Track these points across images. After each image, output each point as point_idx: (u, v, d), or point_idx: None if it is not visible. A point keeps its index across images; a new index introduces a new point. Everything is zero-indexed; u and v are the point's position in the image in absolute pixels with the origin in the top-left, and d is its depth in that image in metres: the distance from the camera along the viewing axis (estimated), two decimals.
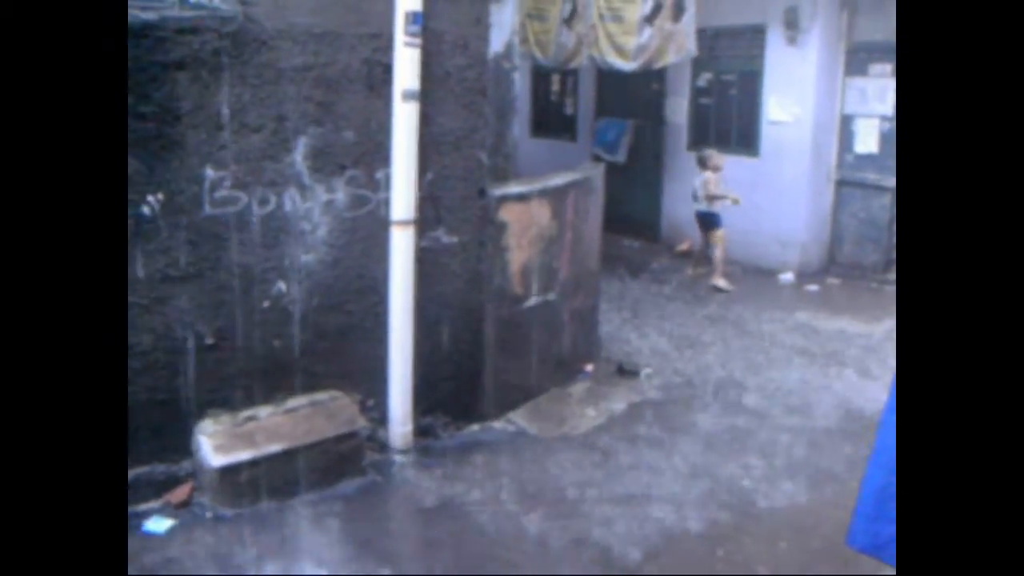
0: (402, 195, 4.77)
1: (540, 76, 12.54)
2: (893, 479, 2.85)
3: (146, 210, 4.11)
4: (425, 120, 4.82)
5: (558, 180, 5.91)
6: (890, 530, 2.87)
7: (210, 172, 4.29)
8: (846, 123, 9.64)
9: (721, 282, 9.11)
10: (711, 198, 9.15)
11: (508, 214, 5.34)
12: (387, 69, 4.67)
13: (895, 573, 3.03)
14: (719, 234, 9.21)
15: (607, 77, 10.99)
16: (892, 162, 9.28)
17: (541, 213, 5.64)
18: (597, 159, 10.34)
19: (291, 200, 4.54)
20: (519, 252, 5.47)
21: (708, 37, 9.77)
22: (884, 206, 9.46)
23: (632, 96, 11.09)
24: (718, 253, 9.20)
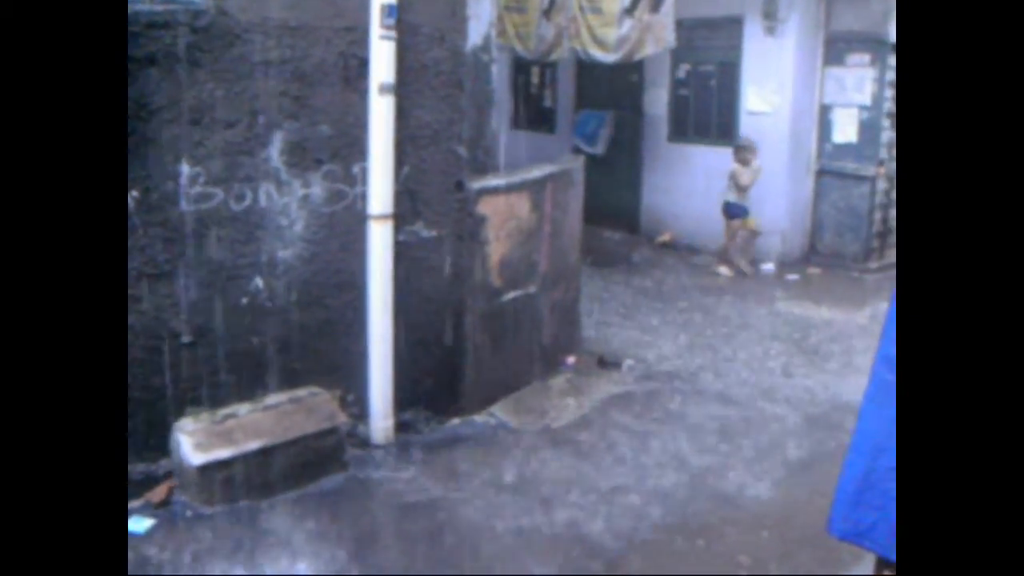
0: (379, 189, 4.75)
1: (519, 68, 12.51)
2: (873, 467, 2.87)
3: None
4: (401, 114, 4.79)
5: (537, 173, 5.89)
6: (870, 517, 2.89)
7: (185, 168, 4.25)
8: (825, 113, 9.68)
9: (723, 269, 9.31)
10: (740, 189, 9.16)
11: (487, 207, 5.32)
12: (363, 62, 4.64)
13: (875, 558, 3.07)
14: (735, 224, 9.28)
15: (586, 69, 10.98)
16: (871, 151, 9.34)
17: (520, 206, 5.62)
18: (577, 151, 10.33)
19: (267, 195, 4.50)
20: (498, 245, 5.46)
21: (686, 28, 9.76)
22: (863, 195, 9.50)
23: (611, 88, 11.09)
24: (728, 241, 9.36)
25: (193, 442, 4.31)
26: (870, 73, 9.22)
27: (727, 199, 9.22)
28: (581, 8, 9.32)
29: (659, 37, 8.90)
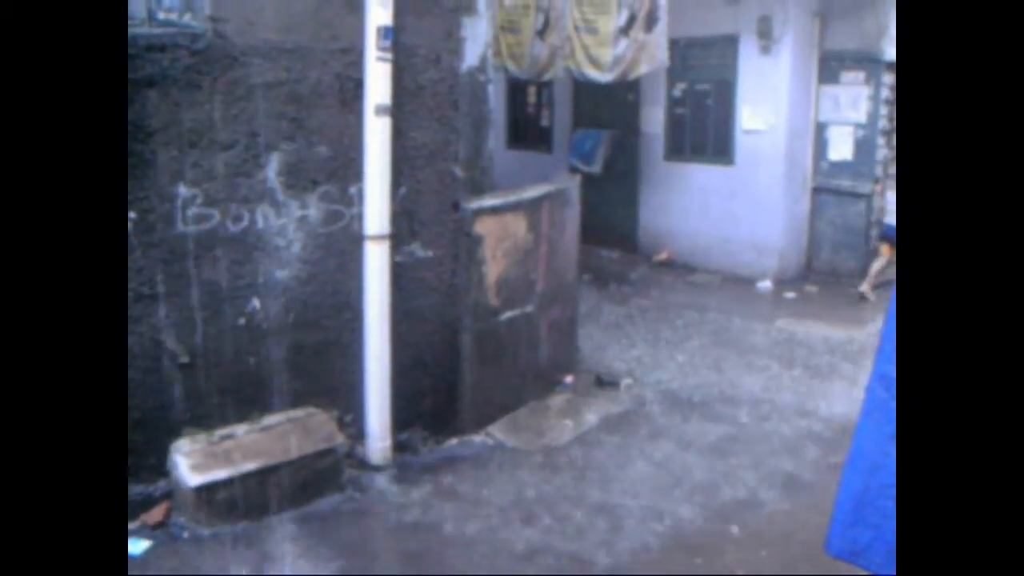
0: (376, 210, 4.76)
1: (516, 88, 12.55)
2: (869, 485, 2.87)
3: None
4: (398, 134, 4.81)
5: (533, 192, 5.91)
6: (866, 536, 2.88)
7: (182, 190, 4.27)
8: (820, 130, 9.71)
9: (869, 291, 8.95)
10: None
11: (483, 227, 5.33)
12: (359, 84, 4.67)
13: None
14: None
15: (583, 88, 11.01)
16: (867, 168, 9.36)
17: (517, 226, 5.63)
18: (574, 170, 10.34)
19: (264, 216, 4.52)
20: (495, 265, 5.47)
21: (682, 47, 9.81)
22: (860, 212, 9.52)
23: (608, 107, 11.13)
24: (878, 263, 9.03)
25: (190, 463, 4.30)
26: (865, 91, 9.27)
27: (891, 223, 8.78)
28: (576, 28, 9.36)
29: (652, 56, 8.92)
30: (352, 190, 4.77)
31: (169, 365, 4.36)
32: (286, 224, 4.59)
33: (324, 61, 4.59)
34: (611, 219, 10.94)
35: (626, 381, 6.50)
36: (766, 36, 9.41)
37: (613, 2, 8.94)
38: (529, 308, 5.86)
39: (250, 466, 4.38)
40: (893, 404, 2.67)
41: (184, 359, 4.38)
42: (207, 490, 4.26)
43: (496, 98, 6.70)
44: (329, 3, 4.56)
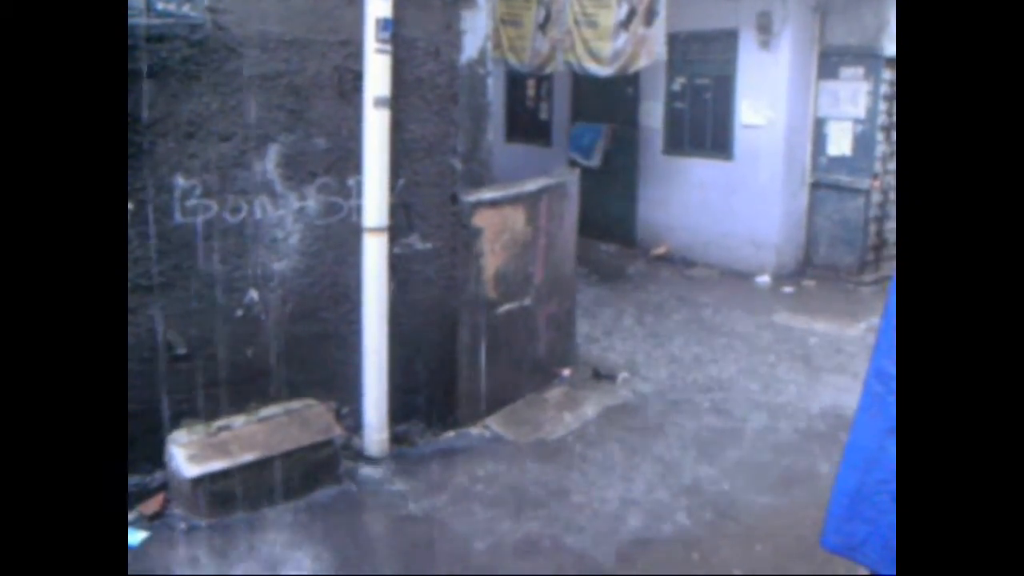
0: (374, 202, 4.76)
1: (515, 81, 12.54)
2: (866, 480, 2.87)
3: None
4: (397, 127, 4.81)
5: (532, 186, 5.91)
6: (862, 531, 2.89)
7: (180, 181, 4.26)
8: (819, 126, 9.71)
9: None
10: None
11: (482, 220, 5.33)
12: (358, 76, 4.66)
13: (868, 574, 3.06)
14: None
15: (582, 82, 11.01)
16: (865, 164, 9.36)
17: (515, 219, 5.63)
18: (573, 164, 10.34)
19: (262, 208, 4.52)
20: (493, 258, 5.46)
21: (681, 41, 9.81)
22: (858, 208, 9.52)
23: (607, 101, 11.11)
24: None
25: (187, 454, 4.31)
26: (864, 86, 9.27)
27: None
28: (576, 22, 9.35)
29: (651, 50, 8.91)
30: (350, 182, 4.76)
31: (166, 356, 4.35)
32: (284, 216, 4.59)
33: (323, 53, 4.58)
34: (610, 213, 10.95)
35: (623, 374, 6.51)
36: (766, 31, 9.40)
37: None
38: (527, 301, 5.86)
39: (247, 457, 4.38)
40: (890, 399, 2.68)
41: (182, 350, 4.39)
42: (204, 481, 4.26)
43: (495, 91, 6.69)
44: None
